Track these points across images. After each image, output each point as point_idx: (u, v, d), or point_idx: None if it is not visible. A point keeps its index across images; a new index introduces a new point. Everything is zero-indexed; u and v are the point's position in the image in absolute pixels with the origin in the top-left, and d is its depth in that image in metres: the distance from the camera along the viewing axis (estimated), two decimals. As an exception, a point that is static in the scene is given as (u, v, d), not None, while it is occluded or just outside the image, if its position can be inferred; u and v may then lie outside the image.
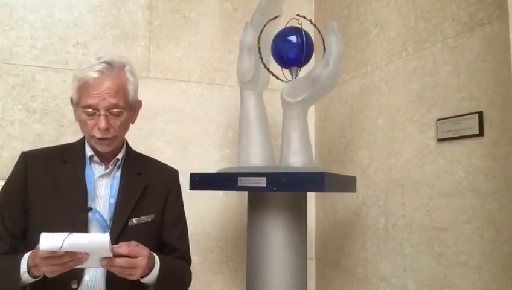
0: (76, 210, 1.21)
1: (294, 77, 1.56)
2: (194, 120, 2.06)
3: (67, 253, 1.01)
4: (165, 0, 2.05)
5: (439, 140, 1.49)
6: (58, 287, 1.15)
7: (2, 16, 1.80)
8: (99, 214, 1.22)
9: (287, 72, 1.58)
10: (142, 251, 1.13)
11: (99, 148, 1.25)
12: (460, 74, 1.43)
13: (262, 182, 1.37)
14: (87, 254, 1.03)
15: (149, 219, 1.30)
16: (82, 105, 1.20)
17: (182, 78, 2.05)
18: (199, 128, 2.06)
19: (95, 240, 1.04)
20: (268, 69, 1.59)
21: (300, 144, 1.50)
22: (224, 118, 2.10)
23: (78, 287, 1.18)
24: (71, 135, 1.78)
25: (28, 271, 1.08)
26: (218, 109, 2.10)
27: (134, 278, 1.13)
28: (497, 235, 1.28)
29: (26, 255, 1.10)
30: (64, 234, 0.99)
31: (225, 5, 2.16)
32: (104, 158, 1.29)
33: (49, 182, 1.24)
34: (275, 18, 1.62)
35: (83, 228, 1.20)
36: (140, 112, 1.37)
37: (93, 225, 1.22)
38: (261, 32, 1.58)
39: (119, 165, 1.31)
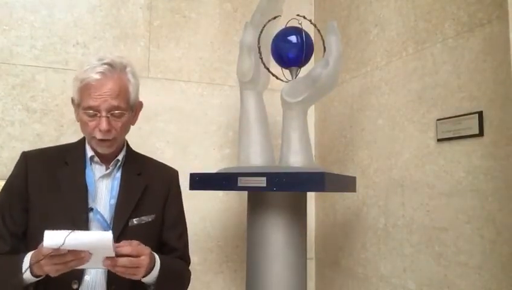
0: (77, 210, 1.21)
1: (294, 77, 1.56)
2: (194, 120, 2.06)
3: (70, 252, 1.01)
4: (165, 0, 2.05)
5: (439, 140, 1.49)
6: (59, 288, 1.15)
7: (2, 16, 1.80)
8: (100, 214, 1.22)
9: (287, 72, 1.58)
10: (145, 250, 1.13)
11: (100, 150, 1.26)
12: (460, 74, 1.43)
13: (262, 182, 1.37)
14: (90, 253, 1.03)
15: (149, 219, 1.30)
16: (83, 106, 1.19)
17: (182, 78, 2.06)
18: (199, 128, 2.06)
19: (98, 237, 1.04)
20: (268, 69, 1.59)
21: (300, 144, 1.50)
22: (224, 118, 2.10)
23: (78, 287, 1.18)
24: (71, 135, 1.78)
25: (31, 271, 1.08)
26: (218, 109, 2.10)
27: (137, 277, 1.13)
28: (497, 235, 1.28)
29: (28, 255, 1.10)
30: (67, 231, 0.99)
31: (225, 5, 2.16)
32: (105, 159, 1.29)
33: (50, 183, 1.24)
34: (274, 18, 1.62)
35: (84, 228, 1.19)
36: (141, 112, 1.37)
37: (94, 225, 1.22)
38: (261, 32, 1.58)
39: (120, 165, 1.31)
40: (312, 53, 1.56)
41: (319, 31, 1.61)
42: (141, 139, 1.82)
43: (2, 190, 1.27)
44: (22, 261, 1.09)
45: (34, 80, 1.82)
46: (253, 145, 1.56)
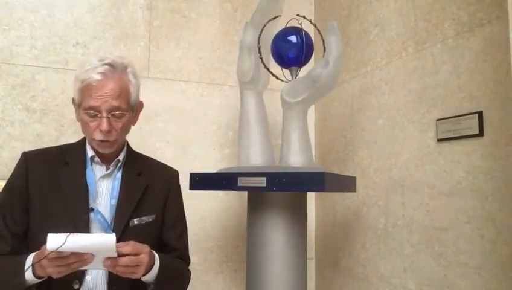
0: (78, 211, 1.21)
1: (294, 77, 1.56)
2: (194, 120, 2.06)
3: (72, 254, 1.01)
4: (165, 0, 2.05)
5: (439, 140, 1.49)
6: (60, 288, 1.15)
7: (2, 15, 1.80)
8: (101, 214, 1.22)
9: (287, 72, 1.58)
10: (144, 248, 1.13)
11: (101, 150, 1.26)
12: (460, 74, 1.43)
13: (262, 182, 1.37)
14: (92, 255, 1.03)
15: (150, 219, 1.30)
16: (84, 107, 1.19)
17: (181, 78, 2.06)
18: (199, 128, 2.06)
19: (101, 240, 1.05)
20: (268, 69, 1.59)
21: (300, 144, 1.50)
22: (224, 118, 2.10)
23: (80, 287, 1.19)
24: (71, 135, 1.78)
25: (33, 272, 1.08)
26: (218, 109, 2.10)
27: (137, 276, 1.13)
28: (497, 235, 1.28)
29: (31, 256, 1.10)
30: (71, 234, 0.99)
31: (225, 5, 2.16)
32: (105, 159, 1.29)
33: (51, 183, 1.24)
34: (274, 18, 1.62)
35: (85, 228, 1.20)
36: (141, 112, 1.37)
37: (94, 225, 1.22)
38: (261, 32, 1.58)
39: (120, 166, 1.31)
40: (312, 53, 1.56)
41: (319, 31, 1.61)
42: (141, 139, 1.82)
43: (3, 190, 1.27)
44: (25, 262, 1.09)
45: (34, 80, 1.82)
46: (253, 145, 1.56)
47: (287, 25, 1.58)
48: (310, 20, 1.61)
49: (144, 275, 1.15)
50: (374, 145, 1.81)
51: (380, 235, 1.74)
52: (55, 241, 0.98)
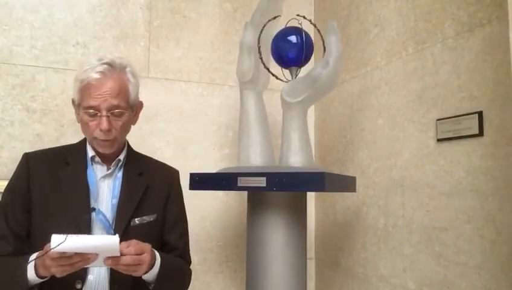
0: (79, 211, 1.21)
1: (294, 77, 1.56)
2: (194, 120, 2.06)
3: (76, 253, 1.02)
4: (165, 0, 2.05)
5: (439, 140, 1.49)
6: (62, 288, 1.15)
7: (2, 15, 1.80)
8: (103, 214, 1.22)
9: (286, 72, 1.58)
10: (146, 247, 1.14)
11: (101, 150, 1.26)
12: (460, 74, 1.43)
13: (262, 182, 1.37)
14: (96, 254, 1.04)
15: (151, 219, 1.30)
16: (84, 106, 1.20)
17: (181, 78, 2.06)
18: (199, 128, 2.06)
19: (104, 241, 1.06)
20: (268, 69, 1.59)
21: (300, 144, 1.50)
22: (224, 118, 2.10)
23: (82, 287, 1.19)
24: (71, 135, 1.78)
25: (36, 272, 1.08)
26: (218, 109, 2.10)
27: (138, 274, 1.14)
28: (497, 235, 1.28)
29: (33, 257, 1.10)
30: (74, 236, 1.00)
31: (225, 5, 2.16)
32: (106, 159, 1.30)
33: (52, 183, 1.24)
34: (274, 18, 1.62)
35: (87, 228, 1.20)
36: (141, 112, 1.37)
37: (96, 225, 1.23)
38: (261, 32, 1.58)
39: (121, 165, 1.32)
40: (312, 53, 1.56)
41: (319, 31, 1.61)
42: (141, 139, 1.82)
43: (5, 191, 1.27)
44: (27, 263, 1.09)
45: (34, 80, 1.82)
46: (253, 145, 1.56)
47: (287, 25, 1.58)
48: (310, 20, 1.61)
49: (145, 274, 1.15)
50: (374, 145, 1.81)
51: (380, 235, 1.74)
52: (59, 242, 0.99)
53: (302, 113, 1.52)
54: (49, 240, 0.99)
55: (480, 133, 1.34)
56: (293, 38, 1.52)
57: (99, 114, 1.19)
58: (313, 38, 1.57)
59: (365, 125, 1.87)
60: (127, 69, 1.26)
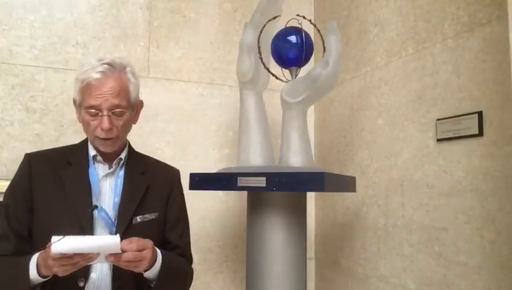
0: (82, 209, 1.22)
1: (294, 77, 1.56)
2: (194, 120, 2.06)
3: (77, 253, 1.02)
4: (164, 0, 2.05)
5: (439, 140, 1.49)
6: (65, 286, 1.16)
7: (2, 15, 1.80)
8: (105, 212, 1.23)
9: (286, 72, 1.58)
10: (148, 243, 1.15)
11: (103, 149, 1.27)
12: (460, 74, 1.43)
13: (261, 182, 1.37)
14: (97, 253, 1.05)
15: (153, 217, 1.31)
16: (85, 106, 1.21)
17: (181, 78, 2.06)
18: (199, 128, 2.06)
19: (105, 241, 1.06)
20: (268, 69, 1.59)
21: (300, 144, 1.50)
22: (224, 118, 2.10)
23: (85, 284, 1.19)
24: (71, 135, 1.78)
25: (38, 271, 1.09)
26: (218, 109, 2.10)
27: (140, 270, 1.14)
28: (497, 235, 1.28)
29: (35, 256, 1.11)
30: (75, 237, 1.01)
31: (225, 5, 2.16)
32: (107, 158, 1.30)
33: (54, 183, 1.25)
34: (274, 18, 1.62)
35: (89, 226, 1.21)
36: (141, 112, 1.37)
37: (98, 223, 1.23)
38: (261, 32, 1.58)
39: (123, 164, 1.32)
40: (312, 53, 1.56)
41: (318, 31, 1.61)
42: (141, 139, 1.82)
43: (7, 191, 1.28)
44: (29, 263, 1.10)
45: (33, 80, 1.82)
46: (253, 145, 1.56)
47: (287, 25, 1.58)
48: (310, 20, 1.61)
49: (146, 271, 1.16)
50: (373, 145, 1.81)
51: (380, 235, 1.74)
52: (60, 243, 0.99)
53: (302, 113, 1.52)
54: (51, 239, 0.99)
55: (480, 133, 1.34)
56: (293, 38, 1.52)
57: (100, 113, 1.20)
58: (312, 38, 1.57)
59: (365, 125, 1.87)
60: (127, 69, 1.26)
